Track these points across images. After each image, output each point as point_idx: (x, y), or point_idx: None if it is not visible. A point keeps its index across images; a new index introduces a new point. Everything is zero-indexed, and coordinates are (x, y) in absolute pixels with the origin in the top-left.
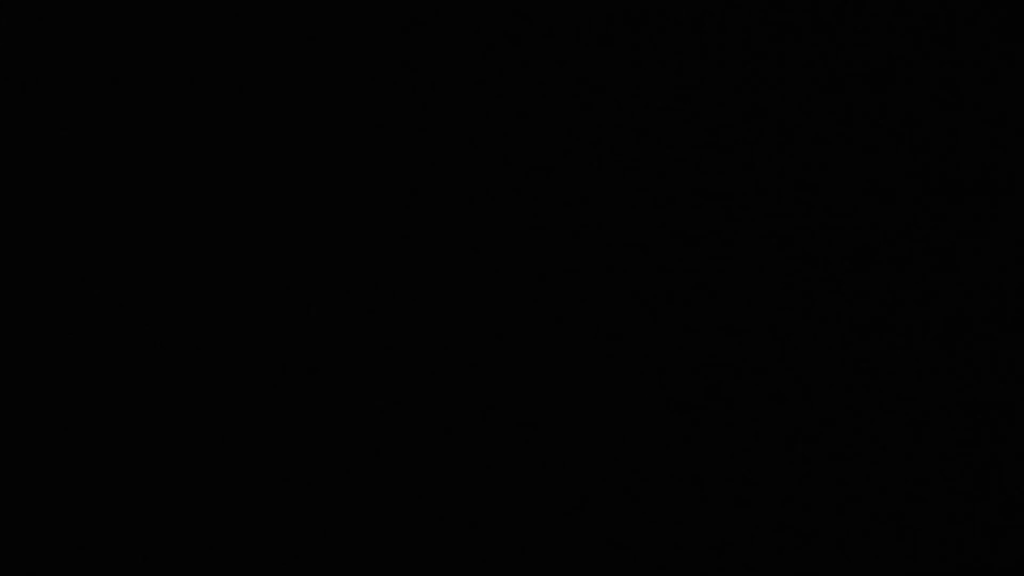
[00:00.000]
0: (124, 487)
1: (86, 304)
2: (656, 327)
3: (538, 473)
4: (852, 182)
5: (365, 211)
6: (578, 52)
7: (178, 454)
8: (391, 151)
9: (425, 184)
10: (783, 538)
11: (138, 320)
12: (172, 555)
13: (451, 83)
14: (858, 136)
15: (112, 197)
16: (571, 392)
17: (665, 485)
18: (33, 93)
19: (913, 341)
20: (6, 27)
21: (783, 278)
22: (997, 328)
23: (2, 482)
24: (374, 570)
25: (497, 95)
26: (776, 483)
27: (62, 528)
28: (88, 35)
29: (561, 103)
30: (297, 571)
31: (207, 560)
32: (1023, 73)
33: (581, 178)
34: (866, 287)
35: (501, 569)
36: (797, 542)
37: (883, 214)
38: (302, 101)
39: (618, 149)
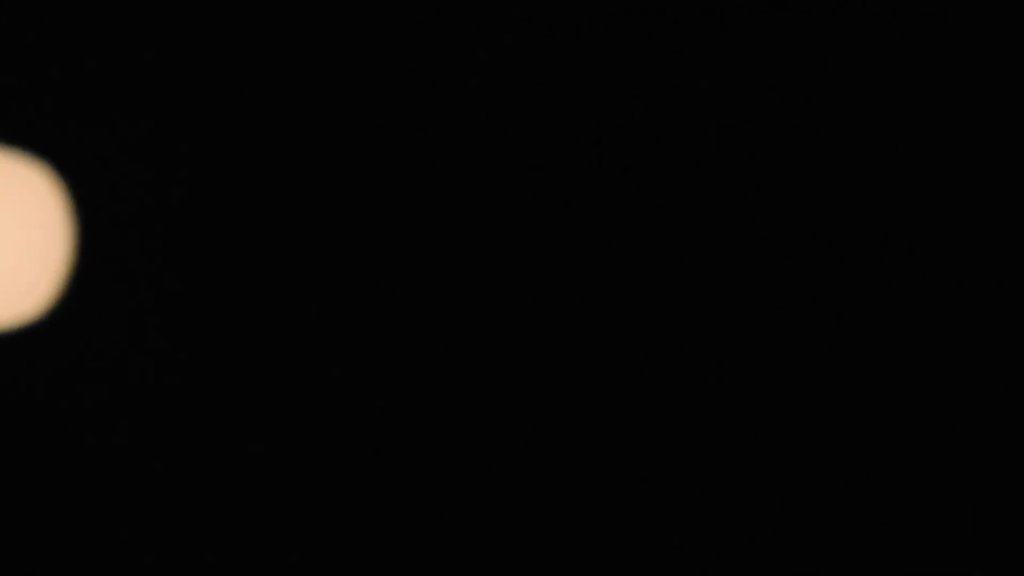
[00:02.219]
0: (124, 486)
1: (85, 303)
2: (655, 327)
3: (538, 473)
4: (852, 182)
5: (365, 211)
6: (578, 52)
7: (178, 454)
8: (391, 151)
9: (425, 184)
10: (783, 538)
11: (138, 320)
12: (172, 555)
13: (451, 83)
14: (858, 136)
15: (112, 196)
16: (571, 392)
17: (665, 485)
18: (33, 93)
19: (912, 341)
20: (6, 27)
21: (782, 278)
22: (997, 328)
23: (2, 482)
24: (374, 570)
25: (497, 95)
26: (776, 483)
27: (62, 528)
28: (88, 35)
29: (561, 103)
30: (297, 571)
31: (207, 560)
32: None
33: (581, 178)
34: (865, 287)
35: (501, 569)
36: (796, 542)
37: (883, 214)
38: (302, 101)
39: (618, 149)
